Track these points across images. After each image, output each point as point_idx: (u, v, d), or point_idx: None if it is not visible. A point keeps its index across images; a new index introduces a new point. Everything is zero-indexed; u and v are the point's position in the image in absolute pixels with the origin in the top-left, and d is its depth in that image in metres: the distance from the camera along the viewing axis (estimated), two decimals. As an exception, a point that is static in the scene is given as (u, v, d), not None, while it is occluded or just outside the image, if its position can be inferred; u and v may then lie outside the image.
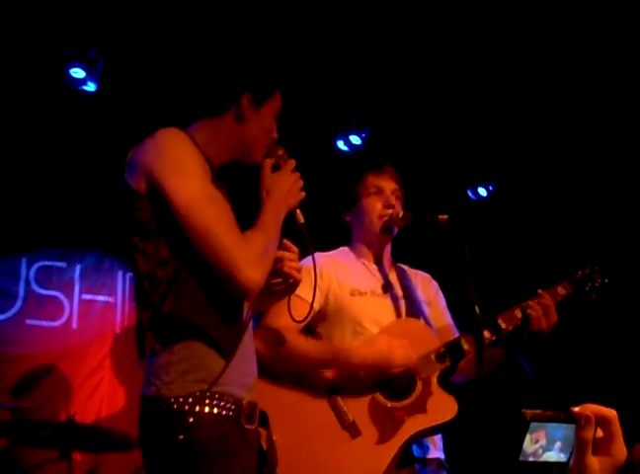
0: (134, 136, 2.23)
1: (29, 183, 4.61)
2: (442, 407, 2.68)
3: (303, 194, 2.27)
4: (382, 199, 2.99)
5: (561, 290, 2.98)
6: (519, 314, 2.86)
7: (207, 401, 2.00)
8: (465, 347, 2.77)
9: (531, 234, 5.50)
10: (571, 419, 1.16)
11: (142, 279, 2.12)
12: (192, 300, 2.06)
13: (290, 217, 2.27)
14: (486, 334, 2.75)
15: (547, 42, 4.38)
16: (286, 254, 2.29)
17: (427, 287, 3.10)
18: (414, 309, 2.95)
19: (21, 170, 4.57)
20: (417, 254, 2.94)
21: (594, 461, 1.14)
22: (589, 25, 4.21)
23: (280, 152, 2.33)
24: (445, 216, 2.76)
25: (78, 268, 4.94)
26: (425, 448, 2.81)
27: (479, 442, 4.45)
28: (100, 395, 4.74)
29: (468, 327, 2.79)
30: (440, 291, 3.12)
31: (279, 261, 2.26)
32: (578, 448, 1.14)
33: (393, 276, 3.04)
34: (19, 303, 4.64)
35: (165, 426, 1.99)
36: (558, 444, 1.15)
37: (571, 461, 1.16)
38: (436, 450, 2.88)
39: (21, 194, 4.58)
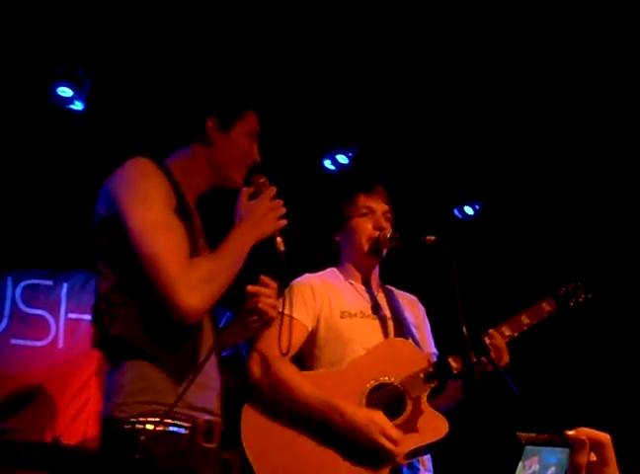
0: (121, 155, 2.23)
1: (15, 201, 4.60)
2: (434, 426, 2.68)
3: (283, 222, 2.26)
4: (373, 221, 2.98)
5: (546, 306, 2.99)
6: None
7: (160, 420, 2.04)
8: (453, 365, 2.77)
9: (518, 251, 5.52)
10: (565, 442, 1.15)
11: (99, 301, 2.17)
12: (140, 324, 2.09)
13: (272, 245, 2.27)
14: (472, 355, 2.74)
15: (531, 63, 4.41)
16: (263, 290, 2.28)
17: (414, 310, 3.09)
18: (403, 330, 2.95)
19: (7, 188, 4.56)
20: (405, 275, 2.94)
21: None
22: (572, 44, 4.24)
23: (262, 180, 2.31)
24: (433, 237, 2.76)
25: (65, 286, 4.92)
26: (414, 469, 2.80)
27: (471, 465, 4.44)
28: (86, 415, 4.71)
29: (455, 348, 2.79)
30: (426, 316, 3.12)
31: (254, 296, 2.27)
32: (572, 473, 1.14)
33: (381, 298, 3.04)
34: (4, 322, 4.62)
35: (121, 446, 2.03)
36: (552, 470, 1.14)
37: None
38: (425, 471, 2.87)
39: (7, 211, 4.56)
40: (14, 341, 4.54)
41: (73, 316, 4.90)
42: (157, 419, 2.04)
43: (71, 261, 4.91)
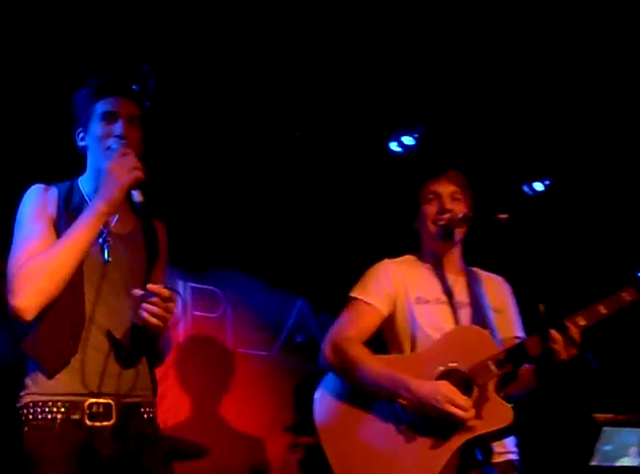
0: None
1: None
2: (497, 414, 2.67)
3: (136, 174, 2.29)
4: (438, 205, 2.98)
5: (626, 296, 2.88)
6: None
7: (39, 409, 2.26)
8: (530, 351, 2.74)
9: (592, 230, 5.40)
10: None
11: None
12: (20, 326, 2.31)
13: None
14: (553, 334, 2.69)
15: (598, 37, 4.30)
16: (150, 301, 2.26)
17: (497, 293, 3.05)
18: (479, 316, 2.91)
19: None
20: (490, 256, 2.91)
21: None
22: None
23: (114, 144, 2.39)
24: (506, 215, 2.73)
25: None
26: (493, 451, 2.78)
27: (552, 446, 4.37)
28: (165, 405, 4.78)
29: (533, 327, 2.75)
30: (513, 296, 3.07)
31: (139, 307, 2.27)
32: None
33: (461, 282, 3.01)
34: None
35: (16, 438, 2.29)
36: (633, 449, 1.12)
37: None
38: (506, 453, 2.84)
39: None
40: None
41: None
42: (35, 409, 2.26)
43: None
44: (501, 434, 2.72)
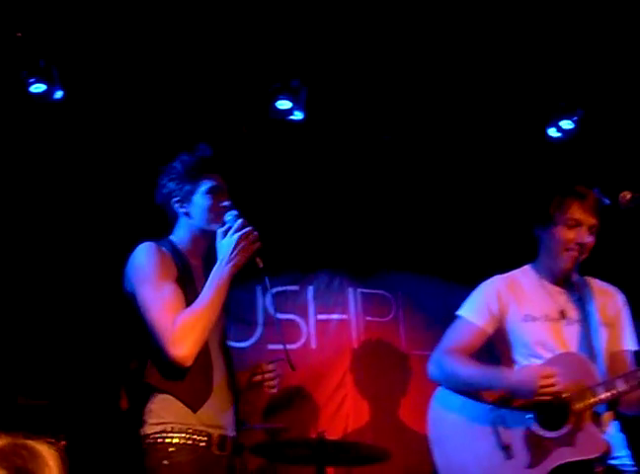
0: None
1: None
2: (590, 443, 2.75)
3: (256, 245, 2.72)
4: (577, 234, 2.96)
5: None
6: None
7: (183, 434, 2.63)
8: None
9: None
10: None
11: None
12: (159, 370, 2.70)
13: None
14: None
15: None
16: (266, 376, 2.94)
17: (609, 306, 3.05)
18: (587, 334, 2.92)
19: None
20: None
21: None
22: None
23: (230, 217, 2.78)
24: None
25: (310, 289, 5.12)
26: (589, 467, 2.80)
27: None
28: (345, 411, 4.87)
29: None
30: (626, 307, 3.07)
31: (258, 385, 2.95)
32: None
33: (573, 297, 3.04)
34: (259, 330, 4.88)
35: (152, 455, 2.62)
36: None
37: None
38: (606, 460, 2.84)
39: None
40: (271, 346, 4.75)
41: (322, 317, 5.09)
42: (180, 434, 2.62)
43: (312, 263, 5.11)
44: (595, 461, 2.76)
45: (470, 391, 2.98)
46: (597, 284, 3.09)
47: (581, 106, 4.80)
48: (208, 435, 2.68)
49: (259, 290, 4.95)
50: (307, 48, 4.40)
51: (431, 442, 3.06)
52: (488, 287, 3.14)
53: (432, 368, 3.11)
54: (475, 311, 3.09)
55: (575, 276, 3.06)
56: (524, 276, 3.12)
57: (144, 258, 2.76)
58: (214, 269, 2.74)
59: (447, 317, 5.36)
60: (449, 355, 3.04)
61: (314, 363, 4.86)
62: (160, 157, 3.04)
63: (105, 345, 4.34)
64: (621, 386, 2.75)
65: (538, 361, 2.92)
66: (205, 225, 2.87)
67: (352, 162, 5.07)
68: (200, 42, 4.29)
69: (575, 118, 4.81)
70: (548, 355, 2.92)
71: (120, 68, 4.35)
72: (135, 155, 4.50)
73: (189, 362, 2.61)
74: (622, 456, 2.88)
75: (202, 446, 2.65)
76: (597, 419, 2.78)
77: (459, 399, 3.04)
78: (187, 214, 2.90)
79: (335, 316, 5.13)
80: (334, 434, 4.48)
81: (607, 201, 2.88)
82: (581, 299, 3.00)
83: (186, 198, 2.89)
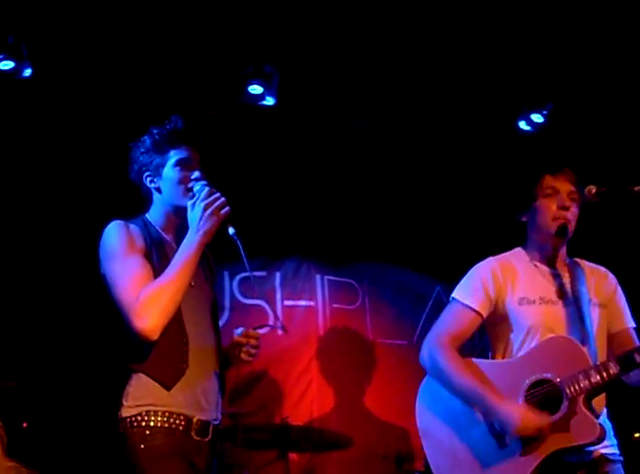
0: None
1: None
2: (585, 428, 2.69)
3: (225, 211, 2.63)
4: (557, 201, 2.95)
5: None
6: None
7: (160, 418, 2.53)
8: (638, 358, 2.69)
9: None
10: None
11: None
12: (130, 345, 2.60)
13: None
14: None
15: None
16: (248, 341, 2.77)
17: (602, 286, 3.02)
18: (582, 316, 2.89)
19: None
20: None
21: None
22: None
23: (197, 187, 2.69)
24: None
25: (278, 275, 5.12)
26: (583, 452, 2.77)
27: None
28: (310, 397, 4.88)
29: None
30: (619, 287, 3.04)
31: (238, 346, 2.78)
32: None
33: (566, 278, 2.99)
34: (226, 315, 4.87)
35: (129, 439, 2.53)
36: None
37: None
38: (599, 448, 2.80)
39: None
40: (238, 331, 4.74)
41: (289, 303, 5.09)
42: (157, 417, 2.52)
43: (281, 249, 5.11)
44: (589, 446, 2.72)
45: (457, 396, 2.90)
46: (588, 265, 3.07)
47: (551, 100, 4.84)
48: (187, 420, 2.57)
49: (226, 275, 4.94)
50: (281, 34, 4.37)
51: (420, 433, 2.99)
52: (483, 268, 3.02)
53: (424, 356, 2.97)
54: (471, 293, 2.97)
55: (566, 258, 3.05)
56: (516, 259, 3.06)
57: (110, 236, 2.68)
58: (184, 242, 2.64)
59: (413, 310, 5.47)
60: (445, 351, 2.92)
61: (280, 349, 4.86)
62: (131, 135, 2.96)
63: (78, 326, 4.30)
64: (615, 368, 2.69)
65: (533, 344, 2.87)
66: (176, 200, 2.78)
67: (323, 149, 5.07)
68: (174, 22, 4.25)
69: (545, 111, 4.86)
70: (543, 339, 2.87)
71: (91, 46, 4.29)
72: (106, 134, 4.44)
73: (155, 335, 2.50)
74: (611, 445, 2.86)
75: (181, 431, 2.55)
76: (590, 403, 2.73)
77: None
78: (158, 190, 2.82)
79: (302, 303, 5.14)
80: (298, 420, 4.48)
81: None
82: (573, 280, 2.98)
83: (156, 172, 2.81)
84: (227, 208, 2.63)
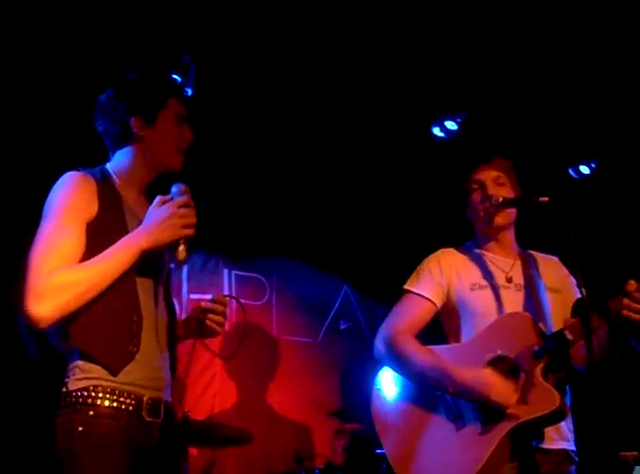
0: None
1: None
2: (544, 399, 2.68)
3: (188, 231, 2.35)
4: (481, 193, 3.04)
5: None
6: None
7: (108, 395, 2.26)
8: (569, 337, 2.71)
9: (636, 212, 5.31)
10: None
11: None
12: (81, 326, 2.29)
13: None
14: (594, 319, 2.66)
15: None
16: (215, 307, 2.52)
17: (554, 273, 3.07)
18: (534, 298, 2.94)
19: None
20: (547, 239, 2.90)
21: None
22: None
23: (175, 189, 2.41)
24: (547, 198, 2.72)
25: (185, 269, 5.05)
26: (547, 439, 2.78)
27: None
28: (212, 391, 4.85)
29: (575, 311, 2.73)
30: (571, 275, 3.06)
31: (204, 312, 2.52)
32: None
33: (517, 265, 3.04)
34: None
35: (70, 416, 2.25)
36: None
37: None
38: (562, 441, 2.83)
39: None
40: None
41: (194, 297, 5.03)
42: (106, 394, 2.26)
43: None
44: (551, 420, 2.72)
45: (417, 381, 2.88)
46: (539, 255, 3.14)
47: (465, 107, 4.94)
48: (138, 399, 2.30)
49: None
50: (198, 25, 4.32)
51: (376, 425, 2.93)
52: (431, 259, 3.08)
53: (379, 347, 2.94)
54: (421, 283, 3.00)
55: (515, 247, 3.10)
56: (465, 249, 3.11)
57: (58, 190, 2.33)
58: (129, 234, 2.33)
59: (320, 308, 5.50)
60: (402, 337, 2.91)
61: (184, 342, 4.80)
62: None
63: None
64: (568, 336, 2.70)
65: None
66: (164, 156, 2.53)
67: (237, 142, 5.03)
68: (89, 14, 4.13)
69: (459, 119, 4.95)
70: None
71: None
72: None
73: (42, 325, 2.18)
74: (571, 441, 2.87)
75: (130, 411, 2.27)
76: (549, 376, 2.74)
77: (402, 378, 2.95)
78: (141, 138, 2.49)
79: (208, 297, 5.06)
80: (200, 415, 4.45)
81: None
82: (524, 267, 3.03)
83: (150, 118, 2.48)
84: (192, 230, 2.37)
